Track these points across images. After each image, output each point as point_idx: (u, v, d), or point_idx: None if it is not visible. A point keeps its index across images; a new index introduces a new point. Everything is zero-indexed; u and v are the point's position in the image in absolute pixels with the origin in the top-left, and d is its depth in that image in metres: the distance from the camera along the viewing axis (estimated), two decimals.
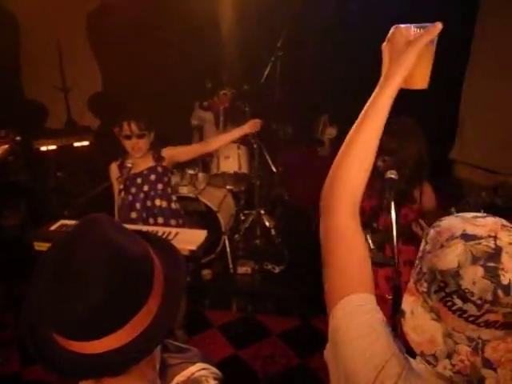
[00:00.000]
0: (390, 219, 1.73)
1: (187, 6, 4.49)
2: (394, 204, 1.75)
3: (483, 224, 0.79)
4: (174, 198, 2.84)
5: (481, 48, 3.39)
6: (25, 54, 4.56)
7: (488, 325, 0.75)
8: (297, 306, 3.54)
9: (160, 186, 2.71)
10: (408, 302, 0.85)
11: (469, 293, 0.74)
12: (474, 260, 0.74)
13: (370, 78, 3.65)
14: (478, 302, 0.74)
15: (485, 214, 0.83)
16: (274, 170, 4.12)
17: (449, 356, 0.78)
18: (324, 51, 4.22)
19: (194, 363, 0.94)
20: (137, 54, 4.49)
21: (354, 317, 0.87)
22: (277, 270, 3.79)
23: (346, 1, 3.79)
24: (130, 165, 2.44)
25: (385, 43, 1.04)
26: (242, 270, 3.74)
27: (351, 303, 0.89)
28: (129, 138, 2.55)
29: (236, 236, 4.01)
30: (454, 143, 3.65)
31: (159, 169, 2.69)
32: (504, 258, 0.74)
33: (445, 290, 0.77)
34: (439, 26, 0.96)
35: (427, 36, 0.96)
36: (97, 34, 4.73)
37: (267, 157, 4.08)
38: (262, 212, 4.04)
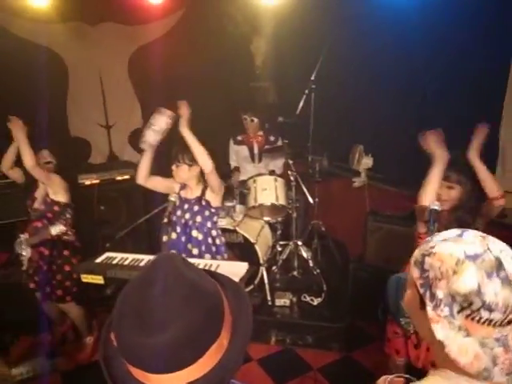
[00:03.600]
0: None
1: (222, 42, 4.67)
2: None
3: (472, 241, 0.89)
4: (214, 232, 2.88)
5: None
6: (71, 93, 4.83)
7: (510, 322, 0.86)
8: (336, 340, 3.47)
9: (199, 219, 2.78)
10: (438, 330, 0.89)
11: (494, 304, 0.83)
12: (489, 276, 0.84)
13: (404, 108, 3.68)
14: (503, 309, 0.83)
15: (459, 231, 0.92)
16: (311, 201, 4.13)
17: (494, 362, 0.85)
18: (358, 83, 4.26)
19: None
20: (175, 91, 4.68)
21: None
22: (315, 302, 3.74)
23: (379, 34, 3.85)
24: (173, 198, 2.52)
25: None
26: (280, 301, 3.71)
27: None
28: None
29: (274, 267, 4.00)
30: (495, 171, 3.58)
31: (203, 202, 2.77)
32: (506, 265, 0.84)
33: (470, 307, 0.85)
34: None
35: None
36: (137, 74, 4.97)
37: (304, 188, 4.10)
38: (300, 243, 4.02)
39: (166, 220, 2.42)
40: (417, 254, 0.95)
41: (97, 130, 5.01)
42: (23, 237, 3.06)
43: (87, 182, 4.29)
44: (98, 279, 2.38)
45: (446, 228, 1.00)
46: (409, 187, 2.98)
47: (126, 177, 4.47)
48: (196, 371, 0.80)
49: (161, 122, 2.61)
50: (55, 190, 3.07)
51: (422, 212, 2.11)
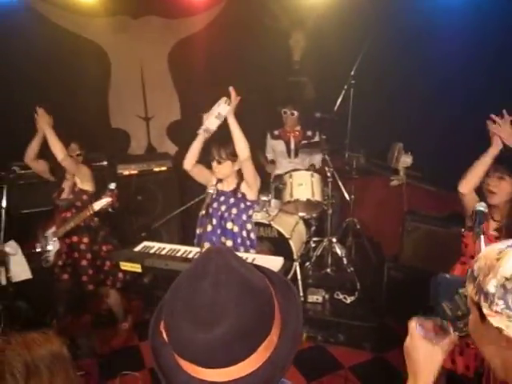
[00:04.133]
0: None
1: (261, 37, 4.66)
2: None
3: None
4: (249, 226, 2.88)
5: None
6: (112, 85, 4.94)
7: None
8: (368, 339, 3.42)
9: (235, 211, 2.79)
10: (497, 321, 0.87)
11: None
12: None
13: (444, 104, 3.55)
14: None
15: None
16: (348, 198, 4.08)
17: None
18: (398, 79, 4.17)
19: None
20: (214, 85, 4.70)
21: None
22: (348, 300, 3.70)
23: (420, 31, 3.75)
24: (211, 190, 2.54)
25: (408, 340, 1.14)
26: (312, 298, 3.69)
27: None
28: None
29: (307, 263, 3.98)
30: None
31: (239, 194, 2.77)
32: None
33: None
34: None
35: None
36: (177, 67, 5.03)
37: (340, 185, 4.06)
38: (334, 240, 3.99)
39: (203, 212, 2.44)
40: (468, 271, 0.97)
41: (136, 121, 5.10)
42: (49, 232, 3.12)
43: (125, 173, 4.38)
44: (137, 267, 2.43)
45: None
46: (448, 187, 2.88)
47: (164, 168, 4.53)
48: (247, 367, 0.79)
49: (224, 109, 2.59)
50: (83, 180, 3.15)
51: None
